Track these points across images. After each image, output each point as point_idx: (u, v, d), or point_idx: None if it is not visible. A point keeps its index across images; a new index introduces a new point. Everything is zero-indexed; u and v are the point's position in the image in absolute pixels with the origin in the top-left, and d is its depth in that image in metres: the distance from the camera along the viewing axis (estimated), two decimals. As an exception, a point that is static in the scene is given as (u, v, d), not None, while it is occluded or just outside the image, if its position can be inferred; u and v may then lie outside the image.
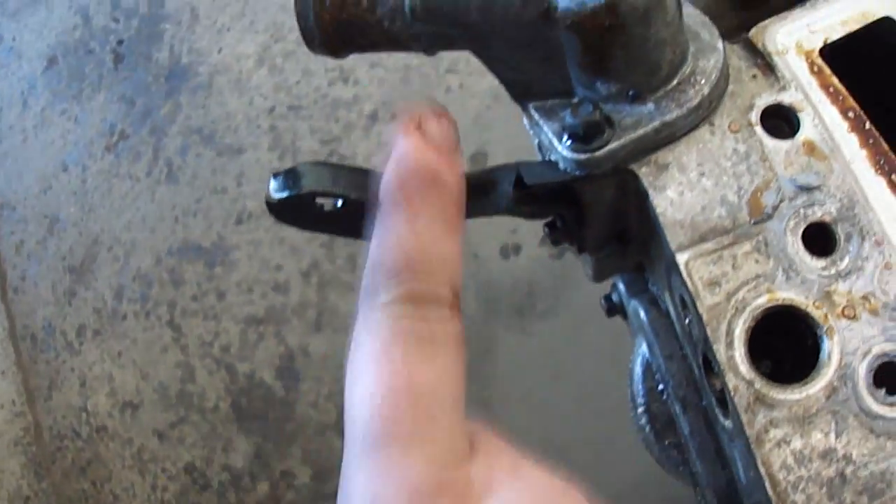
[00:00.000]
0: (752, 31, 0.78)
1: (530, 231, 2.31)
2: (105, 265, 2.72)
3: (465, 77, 2.55)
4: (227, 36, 2.89)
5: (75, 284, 2.74)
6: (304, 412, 2.38)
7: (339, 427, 2.41)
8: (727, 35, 0.79)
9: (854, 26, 0.76)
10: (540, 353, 2.29)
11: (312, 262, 2.54)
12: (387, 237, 0.59)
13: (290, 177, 0.68)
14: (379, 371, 0.56)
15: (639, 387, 0.93)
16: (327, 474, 2.30)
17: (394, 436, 0.54)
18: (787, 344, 0.69)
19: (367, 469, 0.55)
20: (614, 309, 0.99)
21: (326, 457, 2.32)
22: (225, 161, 2.72)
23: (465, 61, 2.54)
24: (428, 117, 0.62)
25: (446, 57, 2.60)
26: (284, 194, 0.67)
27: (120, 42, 3.03)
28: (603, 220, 0.80)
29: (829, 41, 0.76)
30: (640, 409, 0.94)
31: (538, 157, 0.81)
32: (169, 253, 2.65)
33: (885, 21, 0.77)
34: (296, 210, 0.69)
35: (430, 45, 0.75)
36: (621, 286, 0.94)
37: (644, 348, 0.90)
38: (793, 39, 0.76)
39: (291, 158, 2.66)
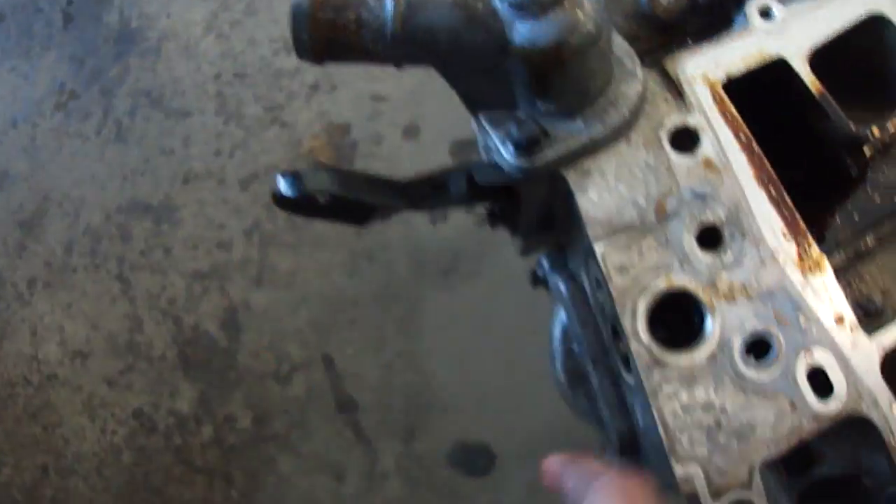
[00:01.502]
0: (667, 61, 0.93)
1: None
2: (55, 220, 2.79)
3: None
4: (176, 2, 2.95)
5: (25, 238, 2.79)
6: (246, 361, 2.50)
7: (277, 375, 2.51)
8: (645, 54, 0.94)
9: (752, 63, 0.92)
10: (464, 310, 2.43)
11: (254, 221, 2.65)
12: None
13: (295, 179, 0.86)
14: None
15: (557, 347, 1.11)
16: (267, 418, 2.41)
17: None
18: (678, 318, 0.85)
19: None
20: (539, 281, 1.15)
21: (266, 402, 2.44)
22: (172, 124, 2.80)
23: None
24: None
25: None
26: (290, 194, 0.85)
27: (69, 2, 3.06)
28: (535, 210, 0.96)
29: (731, 75, 0.91)
30: (558, 365, 1.11)
31: (468, 136, 0.95)
32: (118, 210, 2.71)
33: (778, 62, 0.92)
34: (297, 204, 0.87)
35: (402, 62, 0.91)
36: (545, 263, 1.09)
37: (563, 315, 1.06)
38: (700, 71, 0.92)
39: (236, 124, 2.76)
